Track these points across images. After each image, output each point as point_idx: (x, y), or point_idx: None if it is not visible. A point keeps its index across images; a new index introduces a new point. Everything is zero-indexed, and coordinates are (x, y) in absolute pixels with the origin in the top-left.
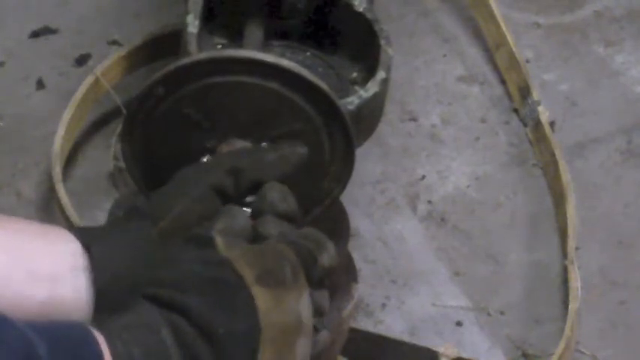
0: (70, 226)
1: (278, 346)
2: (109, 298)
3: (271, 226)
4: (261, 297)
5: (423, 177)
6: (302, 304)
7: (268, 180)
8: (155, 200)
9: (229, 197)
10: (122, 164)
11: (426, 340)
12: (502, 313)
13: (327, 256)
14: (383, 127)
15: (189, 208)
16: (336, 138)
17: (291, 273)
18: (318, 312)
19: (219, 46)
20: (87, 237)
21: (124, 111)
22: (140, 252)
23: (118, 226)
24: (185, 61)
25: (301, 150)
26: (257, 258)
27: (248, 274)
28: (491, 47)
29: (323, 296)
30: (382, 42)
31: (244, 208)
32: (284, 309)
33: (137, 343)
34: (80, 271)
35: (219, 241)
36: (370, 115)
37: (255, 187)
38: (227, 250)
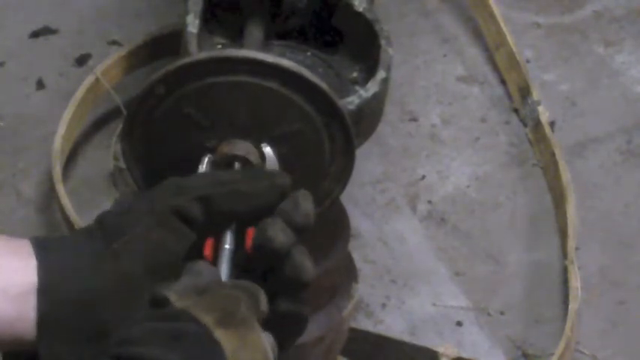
0: (34, 238)
1: None
2: (52, 321)
3: (282, 234)
4: (226, 339)
5: (423, 177)
6: (264, 339)
7: (241, 211)
8: (115, 217)
9: (198, 225)
10: (122, 164)
11: (426, 340)
12: (502, 313)
13: (264, 302)
14: (383, 127)
15: (142, 234)
16: (336, 138)
17: (247, 311)
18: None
19: (220, 46)
20: (42, 253)
21: (124, 111)
22: (90, 274)
23: (74, 241)
24: (186, 60)
25: (283, 181)
26: (212, 303)
27: (207, 320)
28: (491, 47)
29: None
30: (382, 42)
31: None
32: (250, 346)
33: None
34: None
35: (172, 296)
36: (370, 115)
37: (230, 217)
38: (180, 302)
